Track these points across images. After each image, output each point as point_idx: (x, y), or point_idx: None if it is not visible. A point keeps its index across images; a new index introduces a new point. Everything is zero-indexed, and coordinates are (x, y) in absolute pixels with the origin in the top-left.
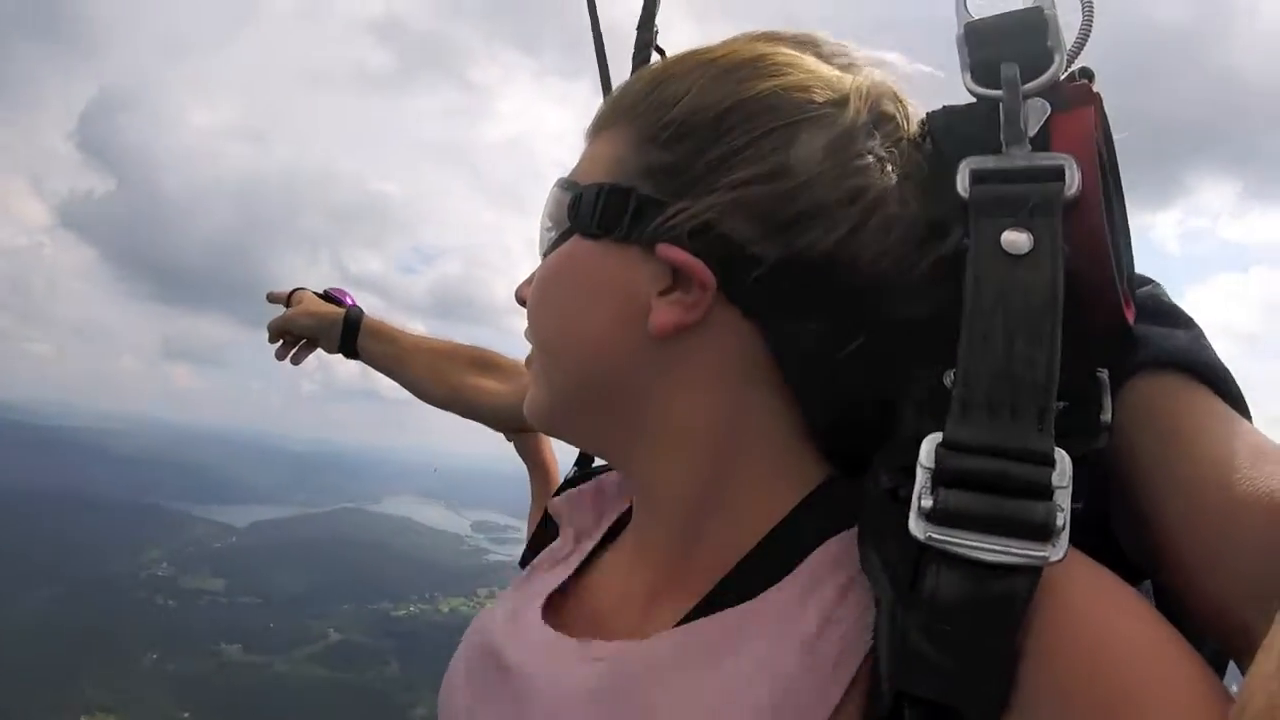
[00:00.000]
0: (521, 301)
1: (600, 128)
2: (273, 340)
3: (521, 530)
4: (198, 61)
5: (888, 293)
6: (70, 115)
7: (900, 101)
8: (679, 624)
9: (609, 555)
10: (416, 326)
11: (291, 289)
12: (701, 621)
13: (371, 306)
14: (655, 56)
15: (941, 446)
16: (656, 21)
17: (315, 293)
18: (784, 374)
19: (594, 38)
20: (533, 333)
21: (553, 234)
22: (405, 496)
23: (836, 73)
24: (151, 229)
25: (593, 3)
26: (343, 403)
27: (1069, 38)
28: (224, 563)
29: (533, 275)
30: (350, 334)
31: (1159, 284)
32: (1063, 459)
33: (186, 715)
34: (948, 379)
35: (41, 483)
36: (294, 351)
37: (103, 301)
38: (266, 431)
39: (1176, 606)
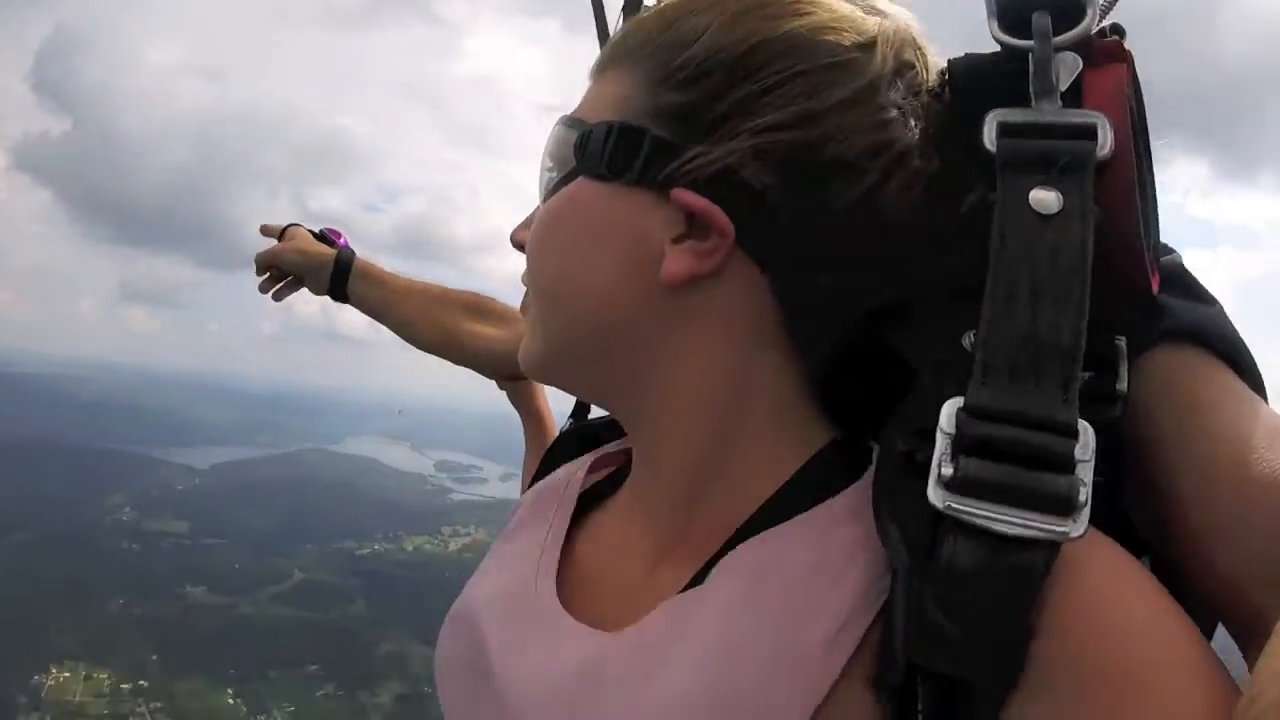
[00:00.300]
0: (518, 245)
1: (606, 65)
2: (259, 274)
3: (484, 469)
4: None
5: (907, 250)
6: (25, 55)
7: (920, 49)
8: (685, 589)
9: (600, 516)
10: (378, 264)
11: (286, 224)
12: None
13: None
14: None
15: (962, 411)
16: None
17: (310, 231)
18: (792, 330)
19: None
20: (531, 278)
21: (555, 175)
22: (368, 437)
23: (860, 13)
24: (108, 170)
25: None
26: (303, 344)
27: None
28: (187, 505)
29: (531, 218)
30: (341, 276)
31: (1180, 254)
32: (1086, 431)
33: (155, 659)
34: (967, 340)
35: (10, 438)
36: (278, 288)
37: (59, 245)
38: (226, 373)
39: (1181, 584)
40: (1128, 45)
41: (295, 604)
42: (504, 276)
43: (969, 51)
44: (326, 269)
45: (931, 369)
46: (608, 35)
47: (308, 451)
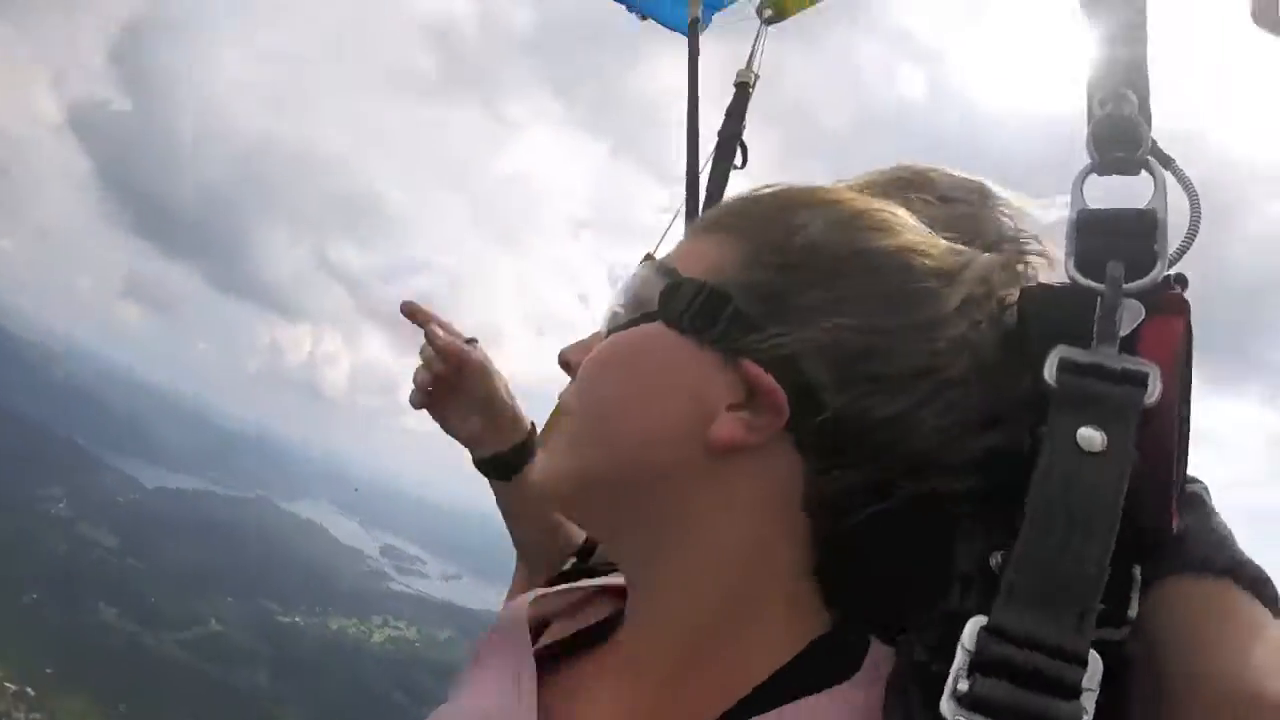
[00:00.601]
0: (565, 365)
1: (712, 228)
2: (430, 367)
3: (428, 565)
4: (252, 15)
5: (932, 466)
6: (112, 21)
7: (1007, 278)
8: None
9: (575, 668)
10: (374, 333)
11: (468, 338)
12: None
13: (337, 299)
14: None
15: (984, 630)
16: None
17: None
18: (813, 514)
19: (689, 106)
20: (583, 399)
21: (633, 311)
22: (320, 501)
23: (949, 245)
24: (152, 161)
25: (693, 77)
26: (283, 390)
27: (1173, 240)
28: (123, 519)
29: (586, 342)
30: (524, 452)
31: (1203, 484)
32: (1095, 661)
33: (49, 670)
34: (994, 561)
35: None
36: (428, 405)
37: (80, 215)
38: (200, 396)
39: None
40: (1188, 295)
41: (201, 653)
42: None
43: (1042, 283)
44: (517, 433)
45: (958, 583)
46: (696, 178)
47: (257, 500)
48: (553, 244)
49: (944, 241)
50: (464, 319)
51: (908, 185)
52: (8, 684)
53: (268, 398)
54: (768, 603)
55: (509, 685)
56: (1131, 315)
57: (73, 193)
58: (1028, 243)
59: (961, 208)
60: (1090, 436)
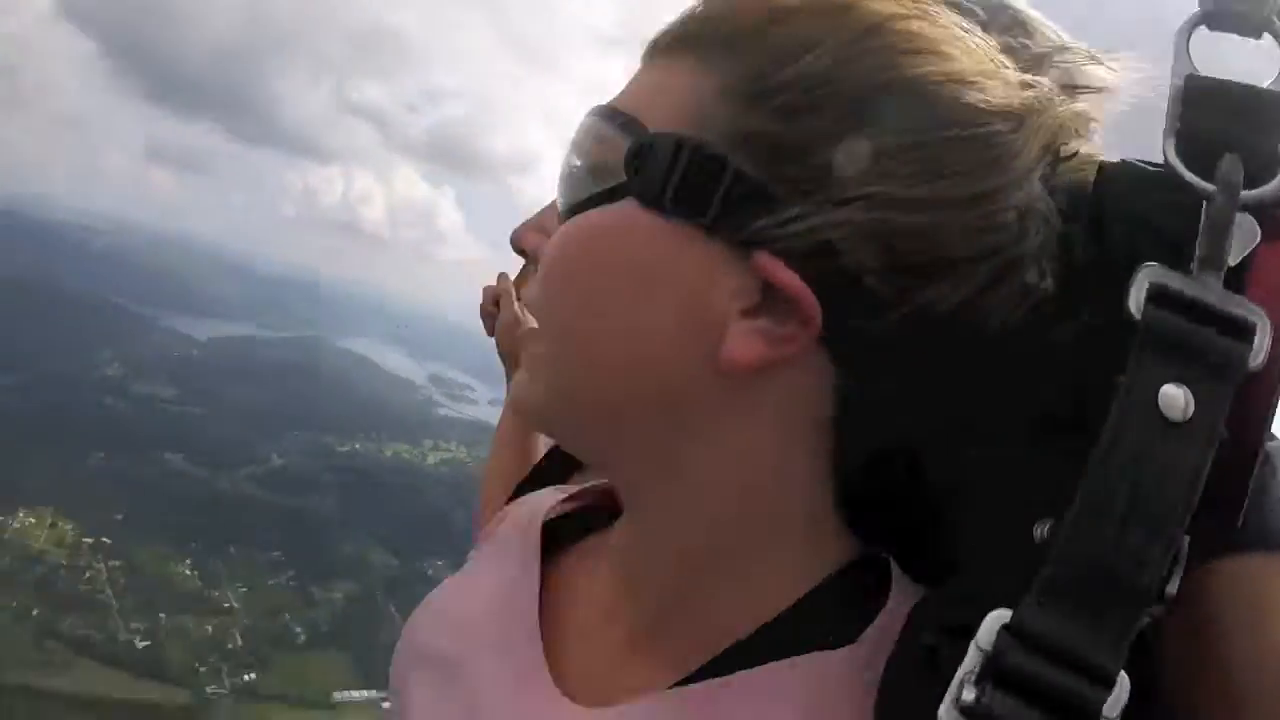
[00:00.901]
0: (522, 251)
1: (673, 47)
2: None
3: (476, 391)
4: None
5: (1000, 376)
6: None
7: (1078, 135)
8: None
9: (573, 564)
10: (408, 169)
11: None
12: (693, 688)
13: (366, 136)
14: None
15: (1005, 630)
16: None
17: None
18: (844, 434)
19: None
20: (548, 311)
21: (592, 184)
22: (368, 338)
23: (1016, 76)
24: (155, 27)
25: None
26: (322, 232)
27: None
28: (179, 372)
29: (542, 219)
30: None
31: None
32: (1122, 684)
33: (120, 518)
34: (1039, 532)
35: (9, 271)
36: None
37: (94, 97)
38: (241, 248)
39: None
40: None
41: (269, 487)
42: (539, 200)
43: (1126, 159)
44: None
45: (991, 553)
46: None
47: (307, 339)
48: (580, 59)
49: (1007, 64)
50: (496, 143)
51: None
52: (84, 539)
53: (308, 241)
54: (787, 530)
55: (514, 570)
56: (1244, 238)
57: (81, 78)
58: (1082, 65)
59: (1019, 39)
60: (1174, 398)
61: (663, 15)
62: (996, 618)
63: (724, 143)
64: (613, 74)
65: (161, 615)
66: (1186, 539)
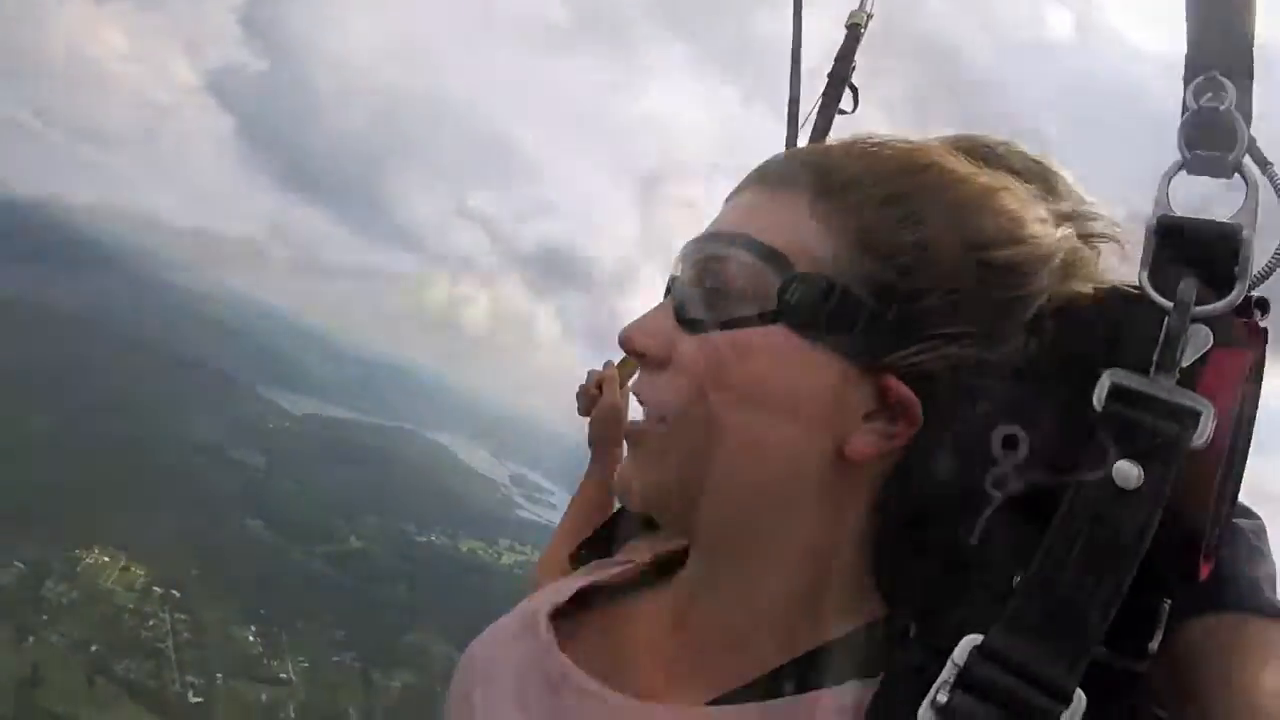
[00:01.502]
0: (634, 352)
1: (785, 183)
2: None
3: (556, 496)
4: None
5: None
6: None
7: (1084, 274)
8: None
9: (636, 602)
10: (513, 274)
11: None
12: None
13: (478, 242)
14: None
15: (976, 650)
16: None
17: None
18: (887, 516)
19: (793, 48)
20: (697, 409)
21: (738, 306)
22: (456, 433)
23: (1053, 234)
24: (292, 113)
25: (798, 13)
26: (425, 326)
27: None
28: (271, 445)
29: (650, 322)
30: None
31: (1261, 523)
32: (1079, 700)
33: (195, 574)
34: (1017, 580)
35: (132, 331)
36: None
37: (227, 171)
38: (346, 333)
39: None
40: (1271, 318)
41: (343, 567)
42: (632, 312)
43: (1111, 288)
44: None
45: (977, 596)
46: (796, 123)
47: (398, 428)
48: (684, 187)
49: (1043, 218)
50: (600, 261)
51: (1013, 156)
52: (155, 587)
53: (410, 334)
54: (840, 590)
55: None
56: (1197, 343)
57: (216, 151)
58: (1094, 218)
59: (1065, 207)
60: (1127, 472)
61: (760, 147)
62: (970, 640)
63: (859, 287)
64: (713, 196)
65: (219, 675)
66: (1168, 602)
